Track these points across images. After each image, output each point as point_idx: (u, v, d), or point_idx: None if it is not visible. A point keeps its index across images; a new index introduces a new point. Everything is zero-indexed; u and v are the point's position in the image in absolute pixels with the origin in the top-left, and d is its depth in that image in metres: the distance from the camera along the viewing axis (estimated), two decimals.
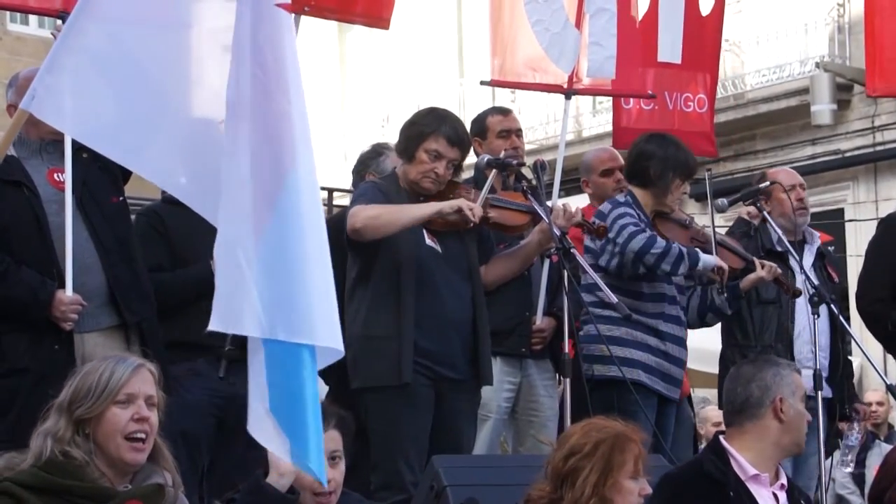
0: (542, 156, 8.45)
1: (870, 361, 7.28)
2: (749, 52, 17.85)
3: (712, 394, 10.28)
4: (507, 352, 6.62)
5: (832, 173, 16.84)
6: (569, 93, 7.49)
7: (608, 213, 6.63)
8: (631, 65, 7.66)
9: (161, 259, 6.02)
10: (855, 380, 9.93)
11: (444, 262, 6.01)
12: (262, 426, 3.61)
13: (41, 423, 3.91)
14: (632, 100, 8.04)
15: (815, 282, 6.96)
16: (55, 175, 5.49)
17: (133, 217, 6.00)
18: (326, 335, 3.66)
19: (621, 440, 4.24)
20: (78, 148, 5.26)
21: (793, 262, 7.09)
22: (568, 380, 6.19)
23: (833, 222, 15.96)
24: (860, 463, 10.89)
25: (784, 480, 4.95)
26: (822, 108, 16.72)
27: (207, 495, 5.77)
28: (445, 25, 21.65)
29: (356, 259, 5.96)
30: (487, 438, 6.58)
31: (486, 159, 6.44)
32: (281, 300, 3.63)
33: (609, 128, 9.26)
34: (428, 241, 6.01)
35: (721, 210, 7.11)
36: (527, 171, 7.00)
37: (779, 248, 7.16)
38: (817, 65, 16.94)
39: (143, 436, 3.88)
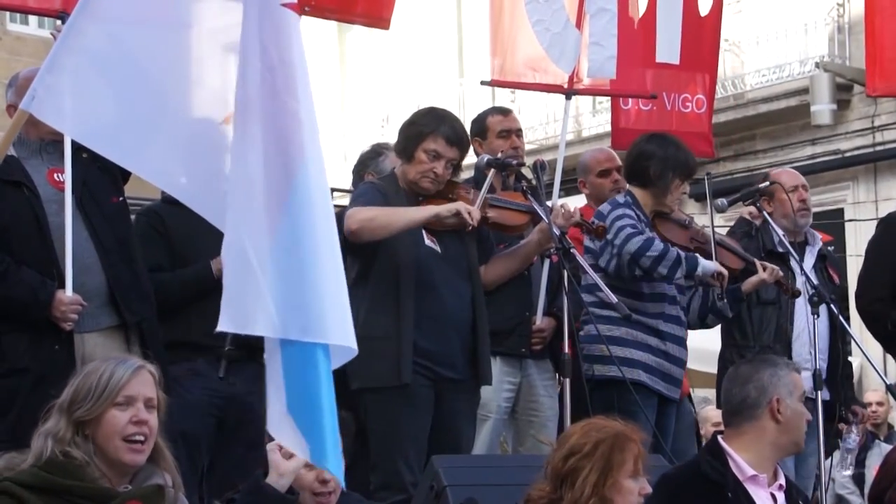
0: (541, 156, 8.44)
1: (870, 362, 7.28)
2: (749, 52, 17.86)
3: (712, 394, 10.27)
4: (507, 352, 6.61)
5: (832, 173, 16.84)
6: (569, 93, 7.49)
7: (607, 213, 6.63)
8: (631, 65, 7.66)
9: (161, 259, 6.02)
10: (855, 380, 9.94)
11: (443, 263, 6.00)
12: (282, 427, 3.61)
13: (42, 423, 3.91)
14: (630, 100, 8.04)
15: (815, 282, 6.95)
16: (55, 175, 5.48)
17: (133, 217, 6.00)
18: (339, 333, 3.65)
19: (621, 440, 4.24)
20: (78, 148, 5.26)
21: (793, 264, 7.09)
22: (567, 380, 6.19)
23: (833, 222, 15.97)
24: (860, 463, 10.88)
25: (782, 481, 4.94)
26: (822, 108, 16.72)
27: (207, 495, 5.77)
28: (445, 25, 21.66)
29: (355, 260, 5.95)
30: (487, 438, 6.58)
31: (485, 159, 6.44)
32: (293, 299, 3.62)
33: (609, 128, 9.26)
34: (427, 241, 6.01)
35: (721, 210, 7.11)
36: (526, 171, 7.01)
37: (780, 250, 7.15)
38: (817, 65, 16.94)
39: (141, 438, 3.89)
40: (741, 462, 4.86)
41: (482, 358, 6.06)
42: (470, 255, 6.12)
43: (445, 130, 6.02)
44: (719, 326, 7.28)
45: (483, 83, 7.82)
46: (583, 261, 6.44)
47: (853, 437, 7.81)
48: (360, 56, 22.63)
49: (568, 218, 6.33)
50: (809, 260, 7.28)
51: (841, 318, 6.96)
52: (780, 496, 4.90)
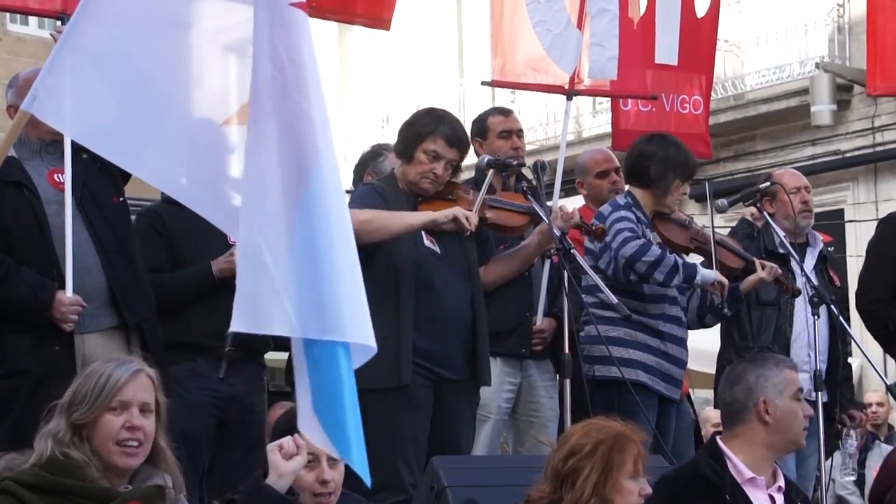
0: (542, 156, 8.45)
1: (870, 362, 7.28)
2: (749, 53, 17.86)
3: (712, 394, 10.28)
4: (508, 352, 6.61)
5: (832, 174, 16.84)
6: (570, 93, 7.49)
7: (608, 215, 6.63)
8: (631, 66, 7.66)
9: (161, 259, 6.02)
10: (855, 381, 9.94)
11: (442, 263, 6.00)
12: (311, 426, 3.61)
13: (44, 424, 3.92)
14: (630, 101, 8.05)
15: (816, 283, 6.95)
16: (55, 176, 5.48)
17: (133, 217, 6.00)
18: (358, 332, 3.65)
19: (621, 440, 4.24)
20: (78, 148, 5.26)
21: (794, 264, 7.09)
22: (568, 380, 6.19)
23: (833, 223, 15.97)
24: (860, 464, 10.87)
25: (782, 482, 4.93)
26: (822, 109, 16.72)
27: (207, 495, 5.77)
28: (445, 26, 21.66)
29: None
30: (488, 439, 6.58)
31: (485, 160, 6.44)
32: (310, 298, 3.62)
33: (609, 128, 9.26)
34: (427, 242, 6.01)
35: (721, 210, 7.11)
36: (526, 172, 7.01)
37: (780, 251, 7.15)
38: (817, 65, 16.94)
39: (135, 444, 3.89)
40: (739, 464, 4.85)
41: (481, 358, 6.05)
42: (469, 256, 6.12)
43: (445, 131, 6.02)
44: (719, 327, 7.28)
45: (484, 83, 7.82)
46: (583, 262, 6.44)
47: (852, 442, 7.79)
48: (361, 56, 22.64)
49: (567, 220, 6.32)
50: (810, 261, 7.28)
51: (841, 319, 6.96)
52: (780, 498, 4.88)
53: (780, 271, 6.91)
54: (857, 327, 7.95)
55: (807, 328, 6.91)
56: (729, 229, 7.66)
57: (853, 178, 17.07)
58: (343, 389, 3.58)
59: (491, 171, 6.29)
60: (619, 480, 4.18)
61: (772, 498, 4.87)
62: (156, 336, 5.56)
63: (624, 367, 6.37)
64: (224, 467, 5.94)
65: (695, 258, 7.14)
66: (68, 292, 5.30)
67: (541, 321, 6.66)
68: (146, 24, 4.06)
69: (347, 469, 4.31)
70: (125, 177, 5.61)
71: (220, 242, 5.90)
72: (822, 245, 7.50)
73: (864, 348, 7.12)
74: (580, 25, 7.29)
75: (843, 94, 16.82)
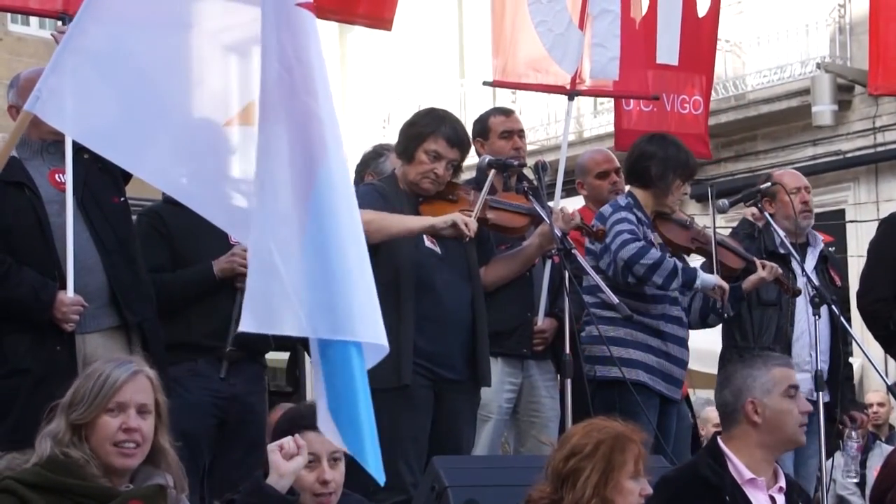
0: (543, 156, 8.45)
1: (871, 362, 7.28)
2: (750, 53, 17.86)
3: (713, 395, 10.29)
4: (509, 352, 6.61)
5: (833, 174, 16.84)
6: (572, 94, 7.49)
7: (608, 216, 6.63)
8: (632, 66, 7.67)
9: (162, 259, 6.02)
10: (856, 381, 9.94)
11: (443, 264, 6.00)
12: (328, 426, 3.63)
13: (45, 423, 3.92)
14: (632, 101, 8.05)
15: (817, 283, 6.95)
16: (56, 176, 5.48)
17: (134, 218, 6.00)
18: (370, 331, 3.65)
19: (622, 440, 4.23)
20: (79, 148, 5.25)
21: (794, 265, 7.09)
22: (569, 380, 6.19)
23: (834, 223, 15.97)
24: (861, 464, 10.87)
25: (783, 483, 4.91)
26: (823, 109, 16.72)
27: (208, 495, 5.77)
28: (446, 26, 21.66)
29: None
30: (489, 439, 6.57)
31: (486, 160, 6.45)
32: (321, 298, 3.62)
33: (610, 128, 9.26)
34: (427, 242, 6.01)
35: (722, 211, 7.11)
36: (527, 172, 7.00)
37: (781, 251, 7.15)
38: (818, 65, 16.94)
39: (132, 445, 3.90)
40: (739, 465, 4.84)
41: (481, 359, 6.06)
42: (470, 257, 6.12)
43: (446, 131, 6.02)
44: (720, 327, 7.27)
45: (485, 83, 7.82)
46: (584, 262, 6.43)
47: (853, 443, 7.79)
48: (361, 57, 22.64)
49: (568, 221, 6.32)
50: (811, 261, 7.28)
51: (842, 319, 6.95)
52: (780, 499, 4.86)
53: (780, 271, 6.91)
54: (857, 327, 7.95)
55: (808, 328, 6.91)
56: (730, 230, 7.66)
57: (854, 178, 17.07)
58: (356, 389, 3.59)
59: (492, 172, 6.29)
60: (620, 481, 4.18)
61: (772, 499, 4.86)
62: (157, 336, 5.56)
63: (625, 367, 6.37)
64: (224, 467, 5.94)
65: (696, 258, 7.15)
66: (69, 292, 5.30)
67: (542, 321, 6.66)
68: (147, 24, 4.06)
69: (348, 469, 4.32)
70: (126, 177, 5.61)
71: (221, 242, 5.90)
72: (822, 245, 7.50)
73: (865, 348, 7.12)
74: (582, 26, 7.29)
75: (844, 94, 16.81)
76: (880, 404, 11.96)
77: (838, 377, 7.21)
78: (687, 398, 7.44)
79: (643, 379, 6.52)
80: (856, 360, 8.49)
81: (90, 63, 4.00)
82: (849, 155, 16.95)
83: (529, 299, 6.67)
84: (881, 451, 10.40)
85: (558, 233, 6.11)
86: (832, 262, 7.55)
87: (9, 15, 18.65)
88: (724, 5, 8.51)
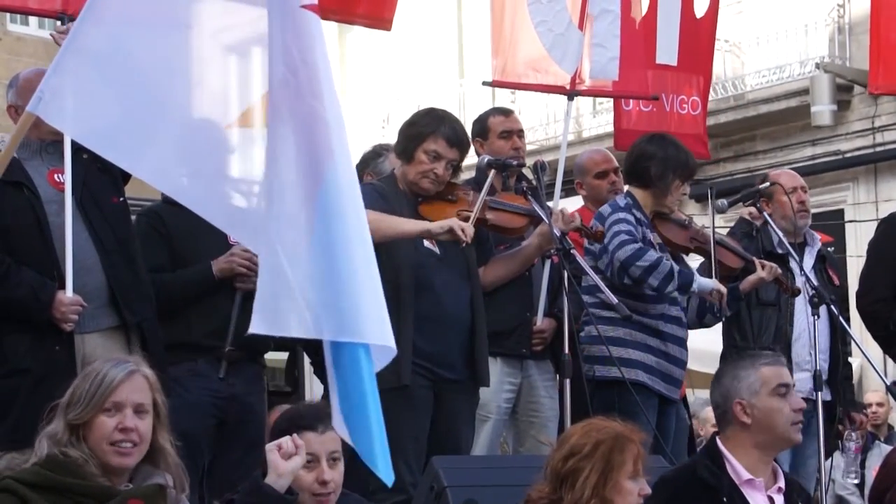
0: (542, 156, 8.45)
1: (870, 362, 7.28)
2: (749, 53, 17.86)
3: None
4: (508, 352, 6.61)
5: (832, 174, 16.84)
6: (571, 94, 7.49)
7: (607, 216, 6.63)
8: (632, 66, 7.67)
9: (162, 259, 6.02)
10: (855, 381, 9.94)
11: (442, 264, 6.00)
12: (342, 428, 3.65)
13: (45, 424, 3.93)
14: (631, 101, 8.05)
15: (815, 283, 6.96)
16: (55, 176, 5.48)
17: (134, 217, 6.00)
18: (376, 333, 3.66)
19: (621, 441, 4.23)
20: (78, 148, 5.25)
21: (793, 264, 7.09)
22: (568, 380, 6.19)
23: (833, 223, 15.97)
24: (860, 464, 10.87)
25: (782, 483, 4.90)
26: (822, 109, 16.72)
27: (207, 495, 5.77)
28: (446, 26, 21.66)
29: None
30: (488, 439, 6.57)
31: (486, 160, 6.45)
32: (327, 300, 3.63)
33: (609, 129, 9.26)
34: (426, 243, 6.01)
35: (721, 211, 7.11)
36: (527, 172, 7.00)
37: (779, 251, 7.15)
38: (817, 65, 16.94)
39: (129, 444, 3.90)
40: (737, 465, 4.83)
41: (480, 359, 6.05)
42: (469, 257, 6.12)
43: (446, 131, 6.02)
44: (720, 327, 7.27)
45: (485, 83, 7.82)
46: (583, 262, 6.43)
47: (852, 444, 7.80)
48: (361, 57, 22.64)
49: (568, 222, 6.32)
50: (809, 261, 7.28)
51: (841, 318, 6.96)
52: (779, 499, 4.85)
53: (779, 271, 6.91)
54: (857, 327, 7.96)
55: (808, 328, 6.91)
56: (727, 229, 7.66)
57: (853, 178, 17.07)
58: (365, 391, 3.60)
59: (492, 173, 6.29)
60: (619, 481, 4.18)
61: (771, 499, 4.84)
62: (156, 336, 5.56)
63: (624, 367, 6.37)
64: (224, 467, 5.94)
65: (695, 258, 7.15)
66: (68, 292, 5.30)
67: (541, 321, 6.66)
68: (147, 24, 4.06)
69: (347, 469, 4.32)
70: (125, 177, 5.61)
71: (220, 242, 5.90)
72: (819, 244, 7.50)
73: (864, 348, 7.13)
74: (581, 26, 7.29)
75: (843, 94, 16.82)
76: (879, 404, 11.96)
77: (838, 376, 7.21)
78: (684, 398, 7.45)
79: (642, 379, 6.52)
80: (855, 360, 8.48)
81: (90, 63, 4.00)
82: (848, 155, 16.95)
83: (528, 299, 6.67)
84: (880, 451, 10.40)
85: (557, 233, 6.11)
86: (830, 262, 7.55)
87: (8, 15, 18.65)
88: (724, 5, 8.51)
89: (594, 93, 8.47)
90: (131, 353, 5.07)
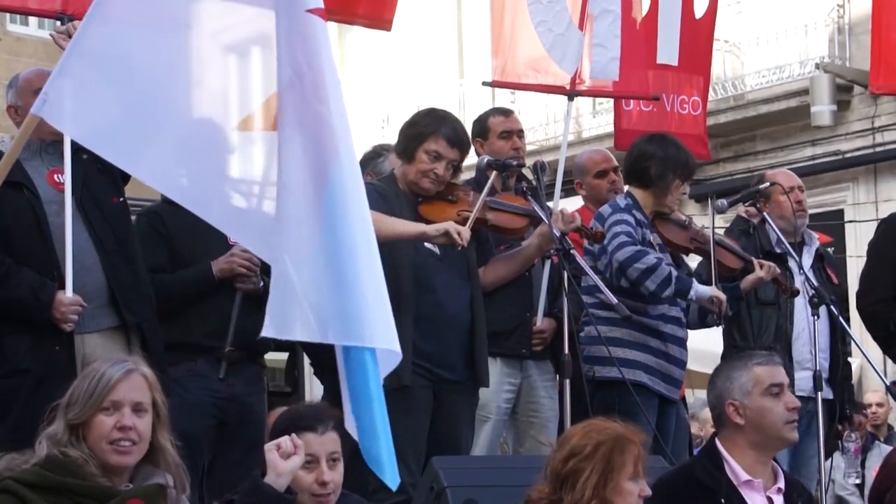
0: (542, 157, 8.45)
1: (870, 362, 7.28)
2: (749, 53, 17.86)
3: None
4: (508, 353, 6.61)
5: (832, 174, 16.84)
6: (571, 94, 7.48)
7: (607, 216, 6.63)
8: (633, 66, 7.66)
9: (162, 260, 6.02)
10: (854, 381, 9.94)
11: (442, 264, 6.00)
12: (352, 430, 3.66)
13: (46, 424, 3.93)
14: (632, 101, 8.05)
15: (815, 283, 6.95)
16: (55, 176, 5.49)
17: (134, 218, 6.00)
18: (380, 336, 3.66)
19: (621, 442, 4.23)
20: (78, 149, 5.25)
21: (792, 264, 7.09)
22: (567, 381, 6.19)
23: (833, 223, 15.96)
24: (860, 464, 10.87)
25: (781, 484, 4.89)
26: (822, 109, 16.72)
27: (207, 495, 5.77)
28: (446, 26, 21.66)
29: None
30: (487, 439, 6.57)
31: (486, 160, 6.44)
32: (332, 303, 3.64)
33: (609, 129, 9.26)
34: (426, 243, 6.00)
35: (721, 211, 7.10)
36: (526, 172, 7.00)
37: (777, 250, 7.15)
38: (817, 66, 16.94)
39: (127, 443, 3.90)
40: (735, 466, 4.82)
41: (480, 359, 6.05)
42: (469, 257, 6.12)
43: (446, 131, 6.02)
44: (720, 327, 7.27)
45: (485, 84, 7.82)
46: (583, 262, 6.43)
47: (850, 446, 7.81)
48: (361, 57, 22.63)
49: (568, 223, 6.32)
50: (807, 260, 7.28)
51: (841, 318, 6.95)
52: (779, 500, 4.84)
53: (778, 271, 6.90)
54: (856, 327, 7.95)
55: (808, 326, 6.91)
56: (725, 228, 7.66)
57: (853, 178, 17.07)
58: (371, 396, 3.60)
59: (493, 173, 6.29)
60: (620, 482, 4.17)
61: (770, 500, 4.83)
62: (156, 336, 5.56)
63: (624, 367, 6.37)
64: (224, 468, 5.94)
65: (694, 258, 7.15)
66: (68, 292, 5.30)
67: (541, 321, 6.66)
68: (147, 25, 4.06)
69: (347, 469, 4.32)
70: (125, 177, 5.61)
71: (220, 243, 5.90)
72: (817, 244, 7.50)
73: (864, 348, 7.12)
74: (581, 26, 7.29)
75: (843, 94, 16.82)
76: (879, 404, 11.95)
77: (838, 376, 7.20)
78: (683, 399, 7.45)
79: (642, 379, 6.52)
80: (854, 360, 8.49)
81: (91, 64, 4.01)
82: (848, 155, 16.95)
83: (528, 300, 6.67)
84: (880, 452, 10.40)
85: (557, 233, 6.11)
86: (828, 261, 7.55)
87: (8, 15, 18.65)
88: (723, 5, 8.51)
89: (594, 93, 8.46)
90: (131, 353, 5.07)
